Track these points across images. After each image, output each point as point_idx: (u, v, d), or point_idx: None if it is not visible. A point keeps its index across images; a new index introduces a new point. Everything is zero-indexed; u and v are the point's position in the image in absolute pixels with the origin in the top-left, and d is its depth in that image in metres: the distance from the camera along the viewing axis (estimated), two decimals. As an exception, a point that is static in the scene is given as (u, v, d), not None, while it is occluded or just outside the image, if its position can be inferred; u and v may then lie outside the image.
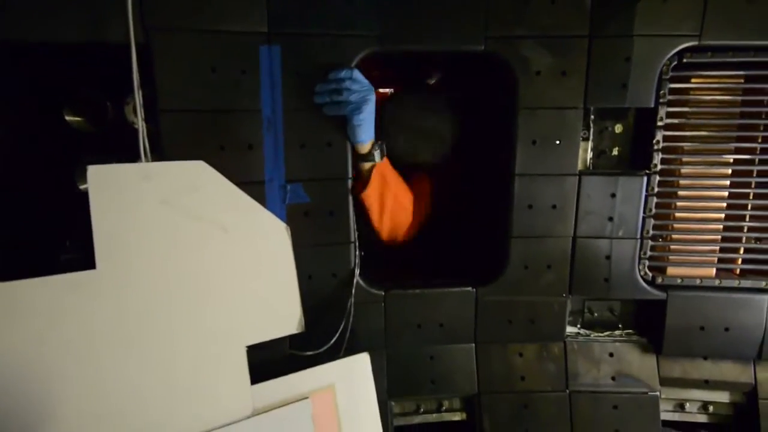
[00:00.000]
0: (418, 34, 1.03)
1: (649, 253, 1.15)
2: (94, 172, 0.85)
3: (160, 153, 0.98)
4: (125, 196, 0.87)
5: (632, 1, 1.01)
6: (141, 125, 0.95)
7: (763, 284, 1.15)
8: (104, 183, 0.86)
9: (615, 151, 1.17)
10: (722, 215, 1.16)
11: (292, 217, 1.04)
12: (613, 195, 1.12)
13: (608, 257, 1.14)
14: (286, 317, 1.02)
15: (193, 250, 0.92)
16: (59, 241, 1.13)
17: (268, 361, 1.00)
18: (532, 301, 1.17)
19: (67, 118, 1.19)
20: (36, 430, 0.80)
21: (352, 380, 1.06)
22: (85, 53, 1.09)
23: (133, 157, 1.14)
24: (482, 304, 1.16)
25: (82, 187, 1.21)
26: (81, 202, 1.15)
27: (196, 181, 0.93)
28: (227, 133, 1.00)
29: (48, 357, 0.80)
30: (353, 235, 1.09)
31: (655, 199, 1.13)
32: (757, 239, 1.17)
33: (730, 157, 1.14)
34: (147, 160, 0.96)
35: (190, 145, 1.00)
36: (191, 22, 0.95)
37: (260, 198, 1.01)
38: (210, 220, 0.94)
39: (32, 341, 0.79)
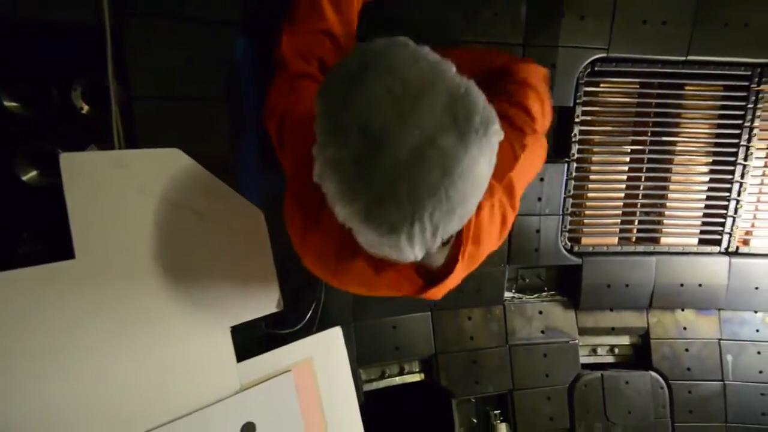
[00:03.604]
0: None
1: (568, 226, 1.38)
2: (67, 159, 0.84)
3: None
4: (100, 184, 0.86)
5: (557, 17, 1.21)
6: (115, 112, 0.94)
7: (652, 248, 1.44)
8: (78, 171, 0.84)
9: (543, 142, 1.38)
10: (622, 195, 1.43)
11: (269, 203, 1.08)
12: (542, 179, 1.32)
13: (538, 231, 1.35)
14: (265, 297, 1.06)
15: (172, 237, 0.93)
16: (10, 233, 1.06)
17: (246, 340, 1.04)
18: (478, 271, 1.34)
19: (6, 103, 1.10)
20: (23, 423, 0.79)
21: (327, 352, 1.14)
22: (27, 35, 1.03)
23: (81, 144, 1.11)
24: (438, 276, 1.31)
25: (24, 177, 1.13)
26: (24, 193, 1.09)
27: (172, 169, 0.94)
28: (203, 121, 1.02)
29: (28, 350, 0.79)
30: (325, 218, 1.17)
31: (573, 182, 1.36)
32: (647, 213, 1.47)
33: (628, 148, 1.41)
34: (109, 148, 0.95)
35: (165, 133, 1.00)
36: (167, 10, 0.95)
37: (236, 185, 1.03)
38: (187, 207, 0.96)
39: (10, 335, 0.78)
